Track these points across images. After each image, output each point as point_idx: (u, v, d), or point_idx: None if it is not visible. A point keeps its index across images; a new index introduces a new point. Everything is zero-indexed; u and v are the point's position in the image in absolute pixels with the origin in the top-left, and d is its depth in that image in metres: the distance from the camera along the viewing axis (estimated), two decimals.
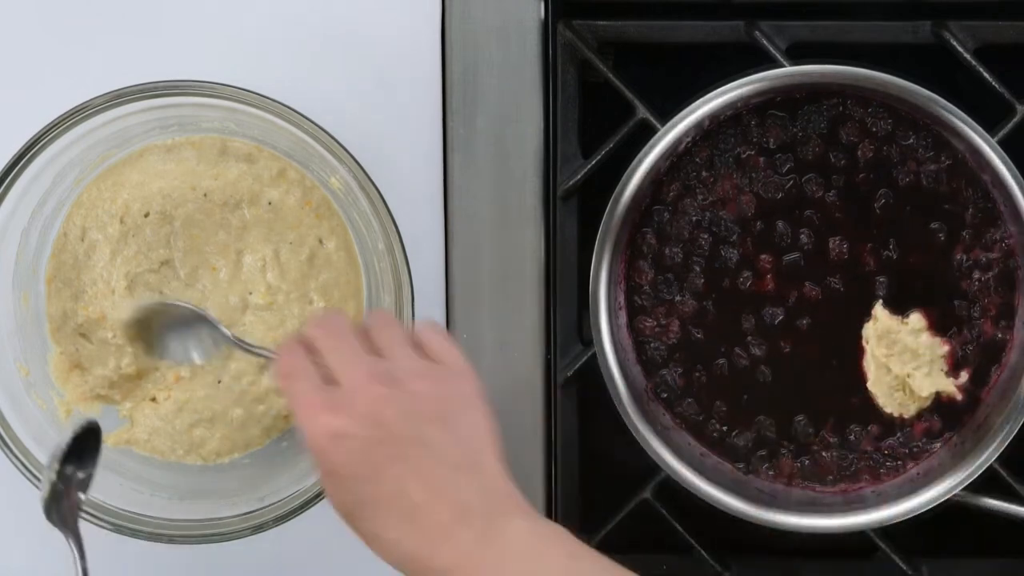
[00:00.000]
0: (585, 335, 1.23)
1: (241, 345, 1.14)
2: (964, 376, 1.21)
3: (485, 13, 1.22)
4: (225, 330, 1.15)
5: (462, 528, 0.99)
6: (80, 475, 1.13)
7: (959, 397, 1.21)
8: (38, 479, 1.16)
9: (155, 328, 1.19)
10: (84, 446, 1.13)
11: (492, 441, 1.03)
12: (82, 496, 1.13)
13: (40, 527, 1.22)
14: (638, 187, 1.19)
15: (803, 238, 1.21)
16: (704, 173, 1.21)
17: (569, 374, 1.23)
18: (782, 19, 1.22)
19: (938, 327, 1.20)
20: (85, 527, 1.15)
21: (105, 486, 1.17)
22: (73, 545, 1.11)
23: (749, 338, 1.21)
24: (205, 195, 1.21)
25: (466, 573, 0.98)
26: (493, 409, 1.04)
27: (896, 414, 1.21)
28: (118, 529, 1.16)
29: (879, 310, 1.20)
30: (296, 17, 1.23)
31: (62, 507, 1.12)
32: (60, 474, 1.12)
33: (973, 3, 1.22)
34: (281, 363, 1.04)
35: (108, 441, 1.20)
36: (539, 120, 1.22)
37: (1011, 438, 1.19)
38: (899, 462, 1.22)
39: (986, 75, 1.20)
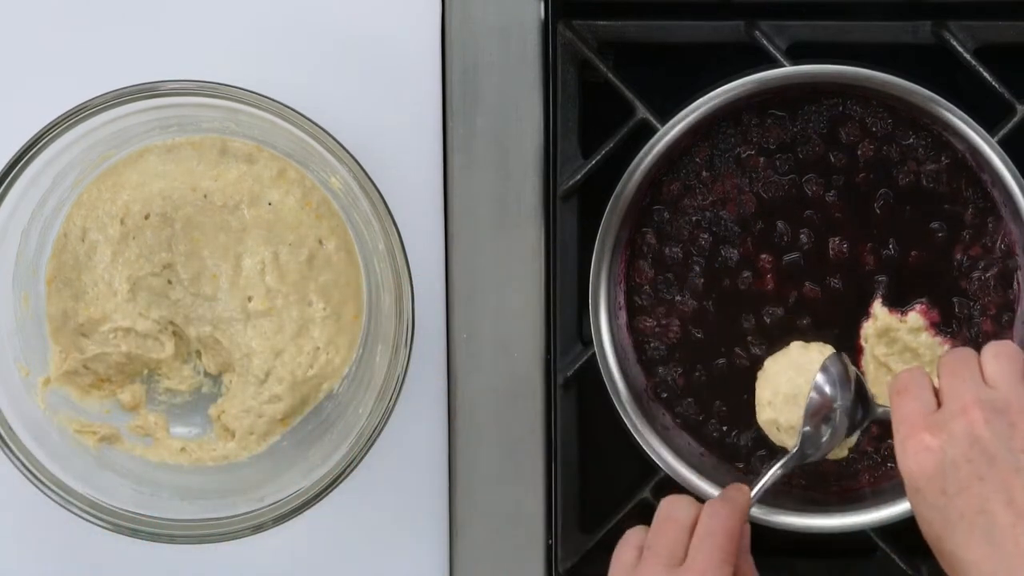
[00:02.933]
0: (585, 335, 1.23)
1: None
2: None
3: (485, 13, 1.22)
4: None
5: None
6: None
7: None
8: (38, 479, 1.16)
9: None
10: None
11: None
12: None
13: (40, 527, 1.23)
14: (638, 187, 1.19)
15: (803, 238, 1.21)
16: (704, 173, 1.21)
17: (569, 374, 1.23)
18: (782, 19, 1.22)
19: (938, 326, 1.20)
20: (84, 527, 1.15)
21: (105, 486, 1.18)
22: None
23: (749, 338, 1.21)
24: (205, 196, 1.21)
25: None
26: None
27: None
28: (118, 529, 1.16)
29: (878, 308, 1.20)
30: (296, 17, 1.23)
31: None
32: None
33: (973, 3, 1.22)
34: (900, 378, 1.06)
35: (153, 457, 1.23)
36: (539, 120, 1.22)
37: None
38: None
39: (986, 75, 1.20)
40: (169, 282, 1.21)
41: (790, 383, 1.16)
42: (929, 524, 1.01)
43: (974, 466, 0.99)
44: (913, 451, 1.01)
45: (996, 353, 1.04)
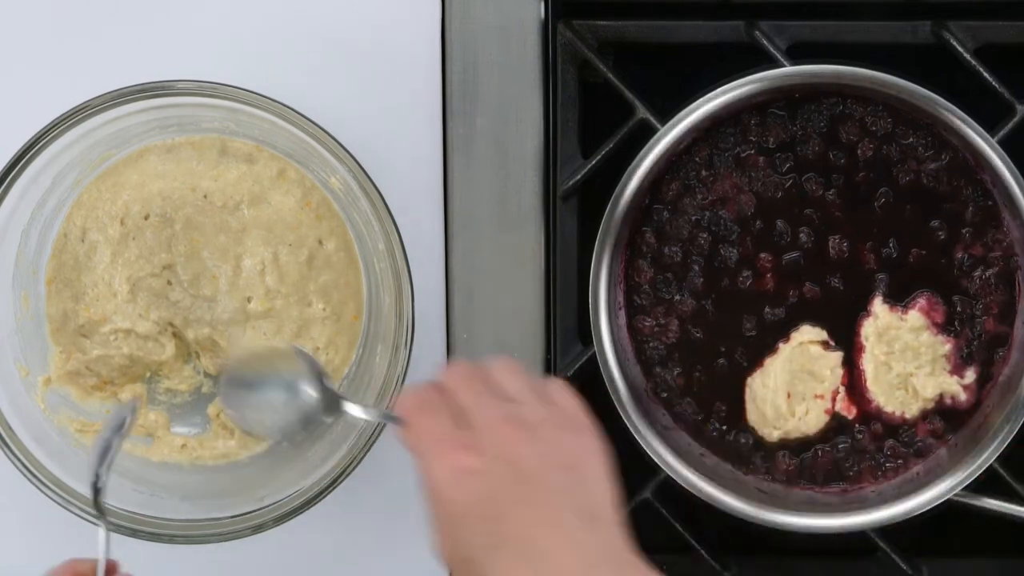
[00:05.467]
0: (585, 335, 1.23)
1: (353, 409, 1.12)
2: (971, 376, 1.21)
3: (485, 13, 1.22)
4: (355, 408, 1.13)
5: None
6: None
7: (963, 397, 1.21)
8: (38, 479, 1.16)
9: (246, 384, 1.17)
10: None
11: (612, 498, 1.00)
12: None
13: (40, 526, 1.23)
14: (638, 187, 1.19)
15: (803, 237, 1.21)
16: (704, 172, 1.21)
17: (569, 374, 1.23)
18: (782, 19, 1.22)
19: (939, 326, 1.20)
20: (85, 527, 1.15)
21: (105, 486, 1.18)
22: (104, 534, 1.09)
23: (749, 337, 1.21)
24: (205, 196, 1.21)
25: None
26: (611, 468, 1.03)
27: (898, 413, 1.21)
28: (117, 529, 1.16)
29: (879, 306, 1.20)
30: (296, 17, 1.23)
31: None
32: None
33: (973, 3, 1.22)
34: (417, 395, 1.03)
35: (153, 457, 1.23)
36: (539, 120, 1.22)
37: (1011, 438, 1.19)
38: (900, 462, 1.22)
39: (986, 75, 1.20)
40: (169, 283, 1.21)
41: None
42: (460, 549, 0.98)
43: (516, 489, 0.97)
44: (451, 473, 0.98)
45: (505, 368, 1.04)
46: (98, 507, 1.09)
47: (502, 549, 0.96)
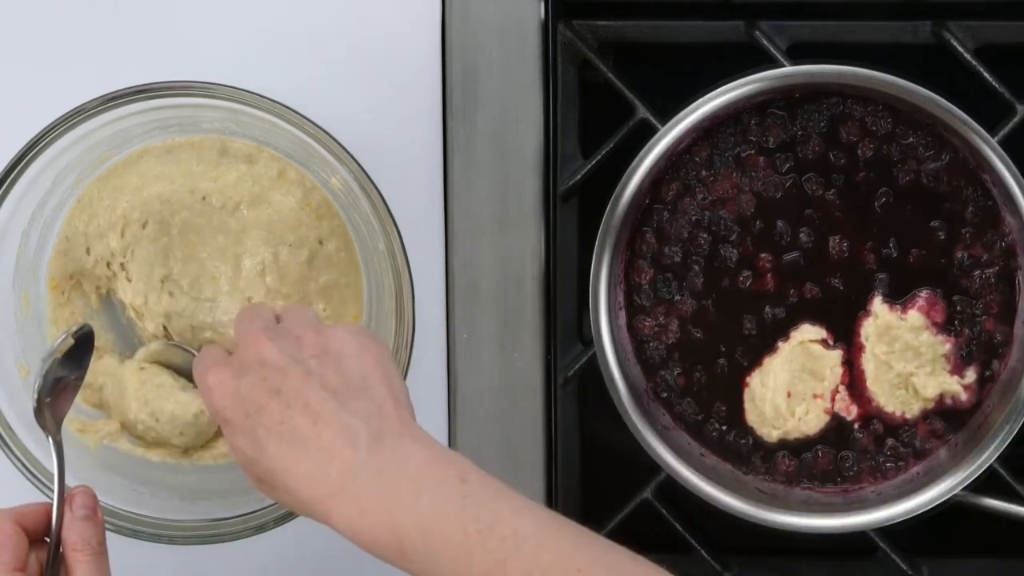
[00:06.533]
0: (585, 335, 1.23)
1: None
2: (971, 376, 1.21)
3: (485, 13, 1.22)
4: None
5: (348, 447, 0.99)
6: (73, 378, 1.14)
7: (964, 397, 1.21)
8: (38, 479, 1.16)
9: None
10: (79, 350, 1.14)
11: (382, 375, 1.04)
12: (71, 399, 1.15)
13: None
14: (638, 187, 1.19)
15: (803, 237, 1.21)
16: (704, 172, 1.21)
17: (569, 374, 1.23)
18: (782, 19, 1.22)
19: (939, 325, 1.20)
20: None
21: (105, 486, 1.17)
22: (54, 449, 1.11)
23: (749, 338, 1.21)
24: (204, 198, 1.20)
25: (353, 493, 0.99)
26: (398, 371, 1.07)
27: (898, 413, 1.21)
28: (118, 529, 1.16)
29: (878, 306, 1.20)
30: (296, 17, 1.23)
31: (51, 410, 1.12)
32: (52, 376, 1.12)
33: (973, 3, 1.22)
34: (200, 356, 1.09)
35: (153, 457, 1.22)
36: (539, 120, 1.22)
37: (1011, 438, 1.19)
38: (900, 462, 1.22)
39: (986, 75, 1.20)
40: (171, 294, 1.21)
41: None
42: (243, 452, 1.03)
43: (268, 383, 1.02)
44: (212, 385, 1.04)
45: (287, 310, 1.10)
46: (42, 424, 1.12)
47: (268, 440, 1.01)
